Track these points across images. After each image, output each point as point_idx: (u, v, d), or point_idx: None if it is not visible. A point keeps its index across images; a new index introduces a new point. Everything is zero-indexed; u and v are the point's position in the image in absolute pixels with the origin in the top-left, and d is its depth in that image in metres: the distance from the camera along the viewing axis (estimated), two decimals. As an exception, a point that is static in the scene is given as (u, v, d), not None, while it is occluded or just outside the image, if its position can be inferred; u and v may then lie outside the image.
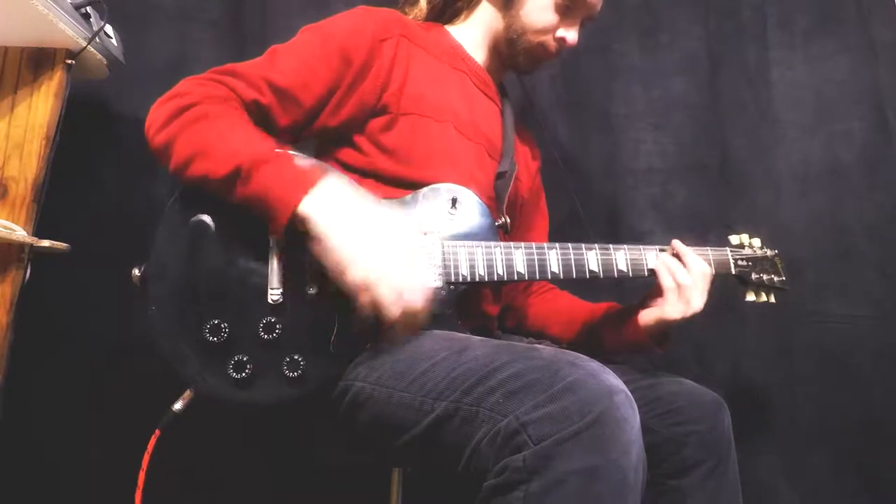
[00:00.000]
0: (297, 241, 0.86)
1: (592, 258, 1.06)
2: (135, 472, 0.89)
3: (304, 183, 0.85)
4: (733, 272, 1.17)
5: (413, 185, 1.04)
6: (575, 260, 1.05)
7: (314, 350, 0.88)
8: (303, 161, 0.94)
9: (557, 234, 1.29)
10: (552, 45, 1.20)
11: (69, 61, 1.15)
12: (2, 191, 1.10)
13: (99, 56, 1.20)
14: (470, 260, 1.00)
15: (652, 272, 1.08)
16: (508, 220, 1.13)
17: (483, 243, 1.01)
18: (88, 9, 1.14)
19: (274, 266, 0.90)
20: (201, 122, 0.90)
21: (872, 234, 1.59)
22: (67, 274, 1.23)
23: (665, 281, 1.06)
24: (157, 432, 0.91)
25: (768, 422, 1.55)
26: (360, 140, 1.07)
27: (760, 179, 1.64)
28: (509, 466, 0.71)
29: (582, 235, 1.15)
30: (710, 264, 1.09)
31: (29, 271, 1.10)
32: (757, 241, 1.23)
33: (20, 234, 1.08)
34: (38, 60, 1.15)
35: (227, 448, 1.36)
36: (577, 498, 0.68)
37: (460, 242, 1.00)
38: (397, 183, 1.04)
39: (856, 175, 1.62)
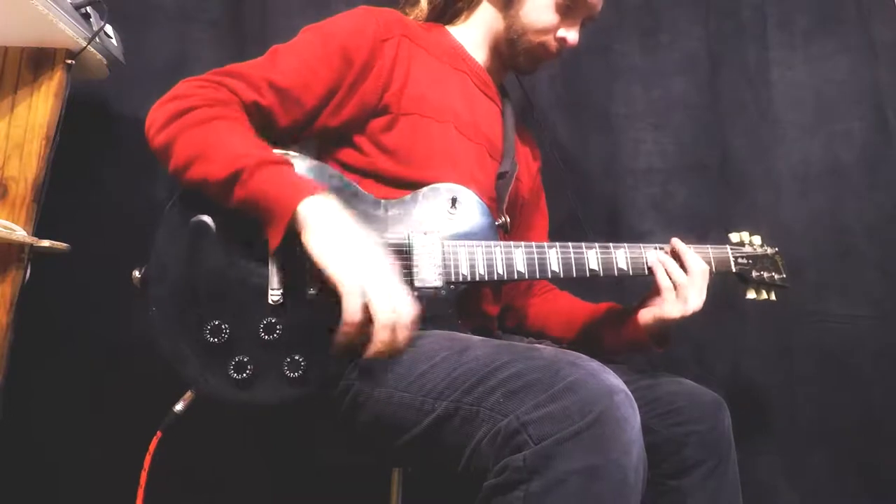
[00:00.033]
0: (297, 242, 0.86)
1: (592, 257, 1.06)
2: (135, 472, 0.89)
3: (304, 187, 0.85)
4: (734, 270, 1.18)
5: (413, 186, 1.03)
6: (575, 259, 1.05)
7: (315, 350, 0.88)
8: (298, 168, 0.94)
9: (557, 234, 1.29)
10: (553, 45, 1.20)
11: (69, 61, 1.15)
12: (2, 191, 1.10)
13: (99, 56, 1.20)
14: (470, 259, 1.00)
15: (651, 270, 1.08)
16: (508, 220, 1.13)
17: (483, 243, 1.01)
18: (88, 9, 1.14)
19: (274, 267, 0.90)
20: (201, 126, 0.90)
21: (872, 234, 1.59)
22: (67, 274, 1.23)
23: (662, 280, 1.06)
24: (159, 434, 0.91)
25: (768, 422, 1.55)
26: (360, 140, 1.07)
27: (760, 179, 1.65)
28: (509, 466, 0.71)
29: (582, 235, 1.15)
30: (710, 262, 1.09)
31: (29, 271, 1.10)
32: (757, 239, 1.24)
33: (20, 234, 1.08)
34: (38, 60, 1.15)
35: (227, 448, 1.35)
36: (578, 497, 0.69)
37: (460, 242, 1.00)
38: (398, 183, 1.04)
39: (856, 175, 1.62)
